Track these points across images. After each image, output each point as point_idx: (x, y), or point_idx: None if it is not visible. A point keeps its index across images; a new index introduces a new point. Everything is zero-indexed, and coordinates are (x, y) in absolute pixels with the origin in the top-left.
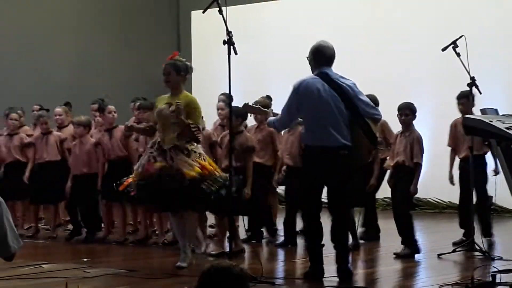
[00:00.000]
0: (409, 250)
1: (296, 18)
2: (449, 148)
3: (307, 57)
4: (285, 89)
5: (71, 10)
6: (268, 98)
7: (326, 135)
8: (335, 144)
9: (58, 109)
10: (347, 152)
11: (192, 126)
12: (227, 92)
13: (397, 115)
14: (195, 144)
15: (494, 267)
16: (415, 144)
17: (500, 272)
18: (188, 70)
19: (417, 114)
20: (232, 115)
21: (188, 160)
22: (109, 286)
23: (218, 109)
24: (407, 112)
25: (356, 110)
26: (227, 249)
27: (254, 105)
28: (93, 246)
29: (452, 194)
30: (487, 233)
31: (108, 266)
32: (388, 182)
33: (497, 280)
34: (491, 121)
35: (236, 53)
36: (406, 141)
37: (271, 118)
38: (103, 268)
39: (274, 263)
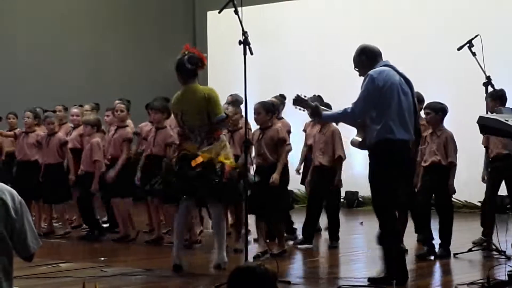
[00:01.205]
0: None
1: (311, 18)
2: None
3: (355, 68)
4: (300, 88)
5: (86, 10)
6: (282, 96)
7: (407, 128)
8: (411, 137)
9: (75, 110)
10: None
11: None
12: (243, 91)
13: None
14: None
15: (510, 266)
16: (448, 144)
17: None
18: (184, 64)
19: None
20: (262, 111)
21: None
22: (126, 285)
23: None
24: (428, 111)
25: (414, 107)
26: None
27: (306, 98)
28: (110, 245)
29: (468, 194)
30: None
31: (125, 265)
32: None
33: None
34: (507, 120)
35: (252, 53)
36: (439, 140)
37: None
38: (120, 267)
39: (291, 262)
